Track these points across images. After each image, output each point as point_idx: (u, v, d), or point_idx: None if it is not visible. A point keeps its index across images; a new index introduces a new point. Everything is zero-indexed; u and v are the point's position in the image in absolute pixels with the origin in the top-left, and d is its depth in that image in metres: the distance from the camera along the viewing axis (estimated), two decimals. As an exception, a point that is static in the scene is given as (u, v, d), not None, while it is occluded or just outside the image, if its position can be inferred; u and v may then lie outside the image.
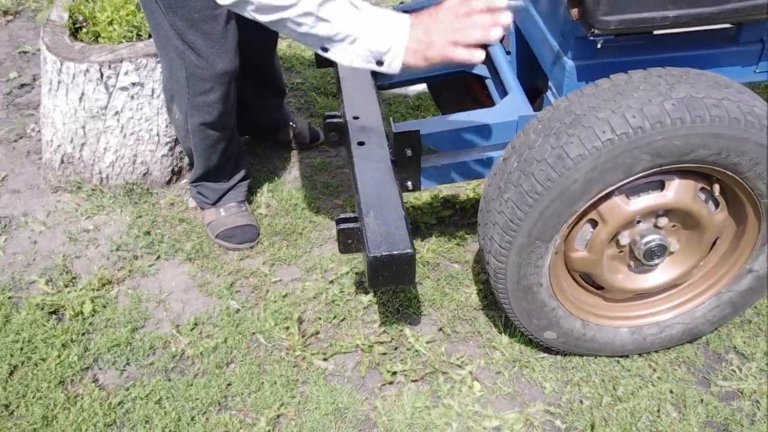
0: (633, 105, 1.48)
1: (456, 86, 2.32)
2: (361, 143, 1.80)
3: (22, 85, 2.89)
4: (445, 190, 2.35)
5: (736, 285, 1.78)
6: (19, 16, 3.38)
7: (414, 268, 1.56)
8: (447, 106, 2.40)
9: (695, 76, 1.54)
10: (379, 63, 1.40)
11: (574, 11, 1.56)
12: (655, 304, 1.83)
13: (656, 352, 1.87)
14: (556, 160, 1.50)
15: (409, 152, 1.74)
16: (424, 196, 2.32)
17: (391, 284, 1.59)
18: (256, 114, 2.40)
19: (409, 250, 1.53)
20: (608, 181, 1.52)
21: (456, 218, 2.27)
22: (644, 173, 1.53)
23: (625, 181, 1.53)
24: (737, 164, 1.53)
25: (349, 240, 1.64)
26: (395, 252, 1.53)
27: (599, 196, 1.55)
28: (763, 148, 1.50)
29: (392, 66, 1.40)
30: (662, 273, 1.76)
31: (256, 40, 2.07)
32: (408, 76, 2.19)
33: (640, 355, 1.87)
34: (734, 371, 1.84)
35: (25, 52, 3.12)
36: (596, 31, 1.55)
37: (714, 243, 1.77)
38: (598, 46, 1.62)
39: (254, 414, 1.74)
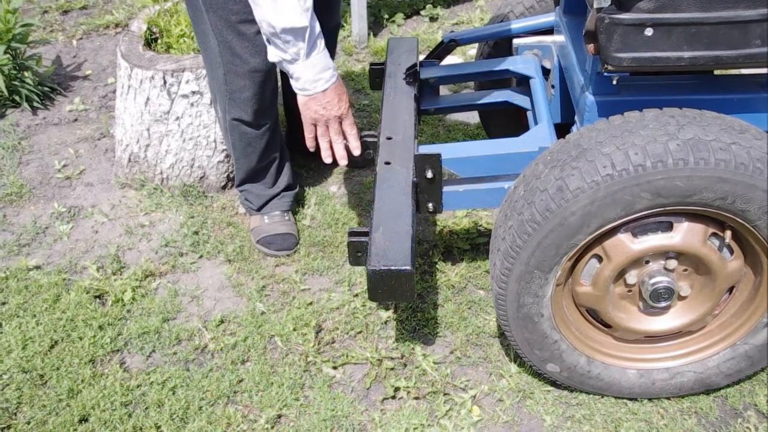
0: (638, 142, 1.48)
1: (504, 115, 2.36)
2: (387, 163, 1.87)
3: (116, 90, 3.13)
4: (485, 217, 2.37)
5: (752, 338, 1.72)
6: (127, 29, 3.65)
7: (412, 285, 1.60)
8: (495, 134, 2.43)
9: (709, 119, 1.52)
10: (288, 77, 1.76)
11: (590, 46, 1.58)
12: (667, 349, 1.79)
13: (667, 399, 1.83)
14: (556, 192, 1.51)
15: (429, 174, 1.79)
16: (463, 221, 2.36)
17: (390, 299, 1.64)
18: (302, 130, 2.50)
19: (407, 267, 1.58)
20: (607, 217, 1.52)
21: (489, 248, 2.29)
22: (649, 212, 1.53)
23: (626, 219, 1.53)
24: (746, 211, 1.50)
25: (359, 252, 1.71)
26: (393, 267, 1.59)
27: (600, 231, 1.55)
28: (773, 196, 1.47)
29: (298, 87, 1.76)
30: (674, 317, 1.73)
31: None
32: (454, 104, 2.26)
33: (650, 400, 1.83)
34: (749, 429, 1.77)
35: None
36: (610, 68, 1.56)
37: (731, 292, 1.72)
38: (614, 82, 1.63)
39: (257, 411, 1.82)
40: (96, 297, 2.14)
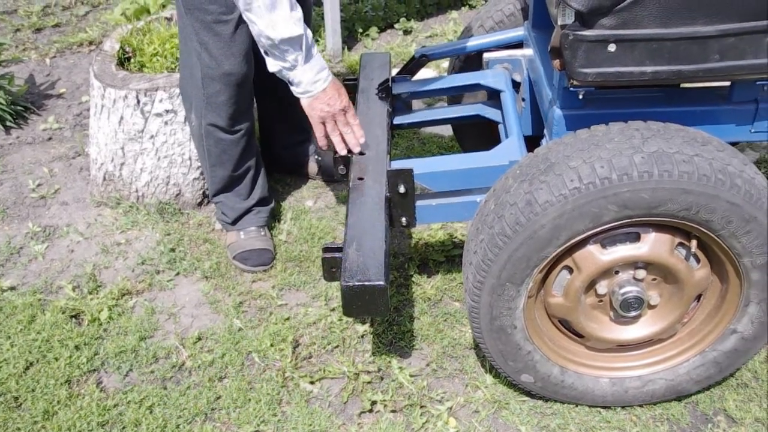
0: (603, 156, 1.51)
1: (477, 128, 2.39)
2: (360, 178, 1.89)
3: (91, 108, 3.13)
4: (460, 229, 2.40)
5: (720, 345, 1.75)
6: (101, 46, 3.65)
7: (386, 300, 1.62)
8: (469, 147, 2.46)
9: (673, 131, 1.56)
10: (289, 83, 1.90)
11: (556, 62, 1.61)
12: (638, 357, 1.82)
13: (640, 406, 1.86)
14: (526, 206, 1.54)
15: (402, 189, 1.81)
16: (438, 234, 2.38)
17: (365, 314, 1.67)
18: (277, 147, 2.56)
19: (380, 282, 1.60)
20: (576, 229, 1.55)
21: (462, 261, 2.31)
22: (617, 224, 1.56)
23: (594, 230, 1.56)
24: (710, 221, 1.53)
25: (333, 268, 1.73)
26: (367, 283, 1.61)
27: (570, 243, 1.58)
28: (735, 206, 1.50)
29: (300, 92, 1.90)
30: (644, 326, 1.76)
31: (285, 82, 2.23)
32: (427, 118, 2.28)
33: (623, 407, 1.85)
34: (720, 434, 1.81)
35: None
36: (575, 83, 1.60)
37: (699, 300, 1.76)
38: (580, 96, 1.67)
39: (235, 428, 1.83)
40: (72, 317, 2.13)
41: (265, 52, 1.82)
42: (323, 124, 1.94)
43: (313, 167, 2.65)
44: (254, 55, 2.08)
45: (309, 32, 1.81)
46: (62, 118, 3.06)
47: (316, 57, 1.84)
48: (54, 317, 2.11)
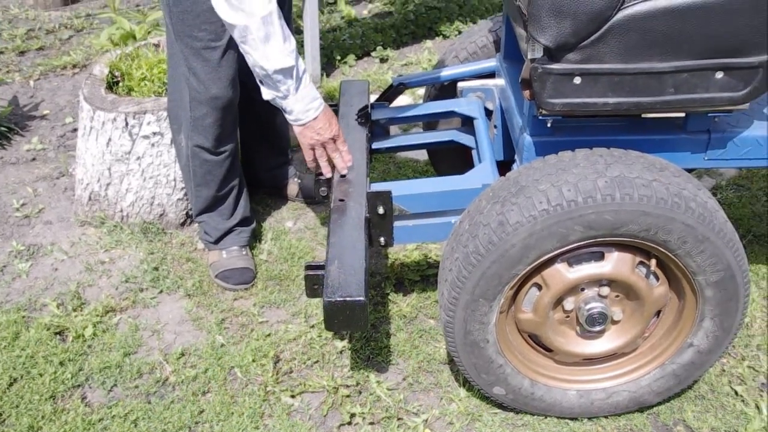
0: (570, 180, 1.63)
1: (451, 153, 2.50)
2: (341, 200, 1.99)
3: (74, 130, 3.20)
4: (434, 249, 2.50)
5: (678, 358, 1.86)
6: (84, 70, 3.73)
7: (366, 315, 1.71)
8: (443, 171, 2.57)
9: (634, 158, 1.68)
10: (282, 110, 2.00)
11: (526, 93, 1.73)
12: (603, 370, 1.92)
13: (605, 417, 1.96)
14: (498, 226, 1.65)
15: (381, 210, 1.91)
16: (413, 254, 2.48)
17: (346, 328, 1.76)
18: (258, 169, 2.65)
19: (361, 298, 1.69)
20: (545, 248, 1.66)
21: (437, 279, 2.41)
22: (582, 243, 1.67)
23: (562, 250, 1.67)
24: (667, 241, 1.65)
25: (315, 285, 1.81)
26: (348, 298, 1.70)
27: (539, 261, 1.69)
28: (689, 227, 1.62)
29: (292, 120, 2.00)
30: (608, 340, 1.87)
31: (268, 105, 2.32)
32: (404, 143, 2.39)
33: (589, 419, 1.95)
34: (679, 443, 1.92)
35: (82, 101, 3.44)
36: (544, 112, 1.71)
37: (659, 315, 1.87)
38: (548, 124, 1.78)
39: (219, 439, 1.91)
40: (56, 333, 2.19)
41: (260, 81, 1.91)
42: (312, 149, 2.04)
43: (292, 189, 2.74)
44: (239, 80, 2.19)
45: (301, 63, 1.90)
46: (46, 139, 3.13)
47: (308, 87, 1.94)
48: (38, 334, 2.17)
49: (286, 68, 1.85)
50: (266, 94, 1.93)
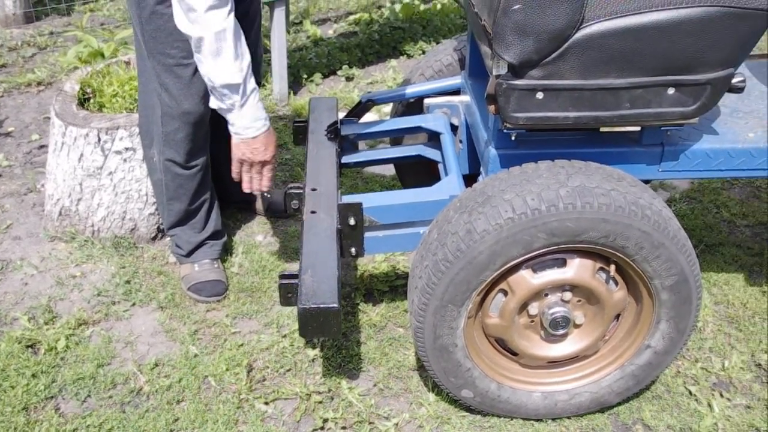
0: (534, 189, 1.71)
1: (418, 167, 2.58)
2: (313, 212, 2.05)
3: (41, 147, 3.21)
4: (402, 261, 2.58)
5: (637, 359, 1.96)
6: (49, 87, 3.74)
7: (339, 321, 1.77)
8: (409, 184, 2.65)
9: (593, 169, 1.78)
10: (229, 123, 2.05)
11: (491, 107, 1.81)
12: (567, 372, 2.01)
13: (568, 418, 2.04)
14: (466, 234, 1.73)
15: (352, 222, 1.98)
16: (382, 266, 2.55)
17: (319, 335, 1.80)
18: (228, 184, 2.67)
19: (334, 305, 1.75)
20: (510, 255, 1.74)
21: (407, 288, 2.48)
22: (546, 250, 1.76)
23: (526, 256, 1.75)
24: (625, 247, 1.75)
25: (289, 294, 1.87)
26: (322, 305, 1.75)
27: (505, 268, 1.77)
28: (646, 234, 1.72)
29: (232, 131, 2.06)
30: (571, 343, 1.96)
31: None
32: (372, 158, 2.47)
33: (553, 420, 2.03)
34: (639, 442, 2.01)
35: (48, 118, 3.44)
36: (508, 125, 1.80)
37: (618, 319, 1.97)
38: (513, 138, 1.87)
39: (195, 446, 1.94)
40: (28, 347, 2.20)
41: (210, 90, 1.99)
42: (241, 163, 2.11)
43: (261, 204, 2.80)
44: None
45: (251, 83, 1.97)
46: (12, 156, 3.14)
47: (254, 107, 2.01)
48: (10, 347, 2.18)
49: (232, 84, 1.92)
50: (212, 103, 2.01)
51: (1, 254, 2.59)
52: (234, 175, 2.15)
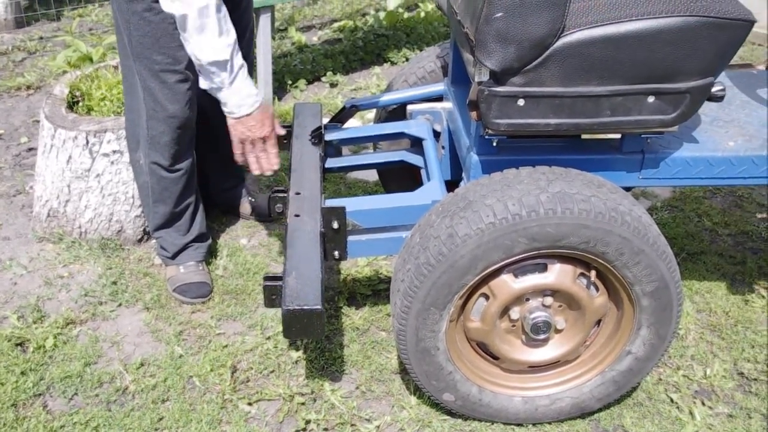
0: (514, 195, 1.74)
1: (400, 172, 2.61)
2: (297, 215, 2.07)
3: (30, 149, 3.23)
4: (385, 266, 2.60)
5: (618, 365, 1.98)
6: (39, 91, 3.76)
7: (322, 323, 1.79)
8: (392, 189, 2.68)
9: (573, 176, 1.80)
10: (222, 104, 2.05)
11: (473, 114, 1.84)
12: (548, 377, 2.03)
13: (549, 423, 2.06)
14: (447, 238, 1.75)
15: (335, 225, 2.00)
16: (365, 270, 2.57)
17: (303, 336, 1.82)
18: (213, 189, 2.75)
19: (318, 307, 1.77)
20: (491, 259, 1.76)
21: (390, 291, 2.50)
22: (527, 255, 1.78)
23: (507, 261, 1.78)
24: (605, 253, 1.77)
25: (273, 296, 1.89)
26: (306, 307, 1.77)
27: (486, 272, 1.79)
28: (626, 240, 1.74)
29: (226, 112, 2.06)
30: (552, 348, 1.98)
31: (225, 128, 2.40)
32: (356, 163, 2.49)
33: (534, 424, 2.05)
34: (618, 447, 2.03)
35: (37, 121, 3.47)
36: (490, 132, 1.83)
37: (599, 324, 1.99)
38: (494, 144, 1.90)
39: (178, 446, 1.96)
40: (17, 345, 2.22)
41: (198, 70, 2.00)
42: (242, 144, 2.12)
43: (245, 208, 2.82)
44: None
45: (238, 59, 1.97)
46: (1, 159, 3.16)
47: (244, 83, 2.01)
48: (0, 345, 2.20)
49: (219, 61, 1.92)
50: (202, 83, 2.01)
51: (-10, 254, 2.61)
52: (238, 158, 2.15)
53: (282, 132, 2.27)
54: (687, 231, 2.86)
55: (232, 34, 1.94)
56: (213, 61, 1.92)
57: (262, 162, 2.16)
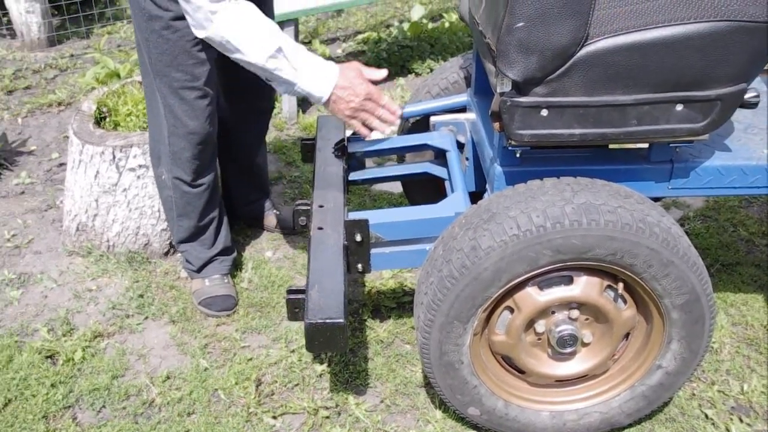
0: (539, 207, 1.71)
1: (425, 184, 2.59)
2: (320, 228, 2.06)
3: (61, 164, 3.28)
4: (410, 278, 2.58)
5: (648, 379, 1.93)
6: (69, 107, 3.81)
7: (345, 336, 1.78)
8: (417, 201, 2.66)
9: (600, 186, 1.77)
10: (306, 98, 1.98)
11: (496, 125, 1.82)
12: (575, 392, 1.99)
13: (577, 438, 2.02)
14: (471, 251, 1.73)
15: (358, 238, 1.99)
16: (390, 282, 2.56)
17: (326, 349, 1.82)
18: (237, 203, 2.75)
19: (340, 320, 1.76)
20: (515, 272, 1.73)
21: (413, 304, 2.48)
22: (552, 267, 1.75)
23: (532, 273, 1.75)
24: (633, 265, 1.73)
25: (296, 309, 1.88)
26: (328, 320, 1.76)
27: (510, 284, 1.76)
28: (654, 251, 1.70)
29: (316, 101, 1.99)
30: (579, 362, 1.94)
31: (248, 142, 2.42)
32: (379, 175, 2.47)
33: (561, 439, 2.02)
34: (649, 464, 1.98)
35: (68, 137, 3.51)
36: (513, 143, 1.81)
37: (628, 338, 1.95)
38: (518, 155, 1.87)
39: (202, 460, 1.96)
40: (47, 357, 2.25)
41: (267, 80, 1.97)
42: (353, 118, 2.00)
43: (270, 221, 2.82)
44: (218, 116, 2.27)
45: (288, 42, 1.90)
46: (34, 174, 3.20)
47: (308, 59, 1.92)
48: (30, 357, 2.23)
49: (271, 54, 1.87)
50: (279, 89, 1.97)
51: (23, 268, 2.64)
52: (363, 133, 2.05)
53: (381, 75, 2.09)
54: (721, 241, 2.80)
55: (270, 24, 1.90)
56: (269, 56, 1.87)
57: (386, 117, 2.03)
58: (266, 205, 2.81)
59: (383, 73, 2.05)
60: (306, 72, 1.92)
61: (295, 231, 2.79)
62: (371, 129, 2.08)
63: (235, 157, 2.57)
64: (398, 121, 2.01)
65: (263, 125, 2.67)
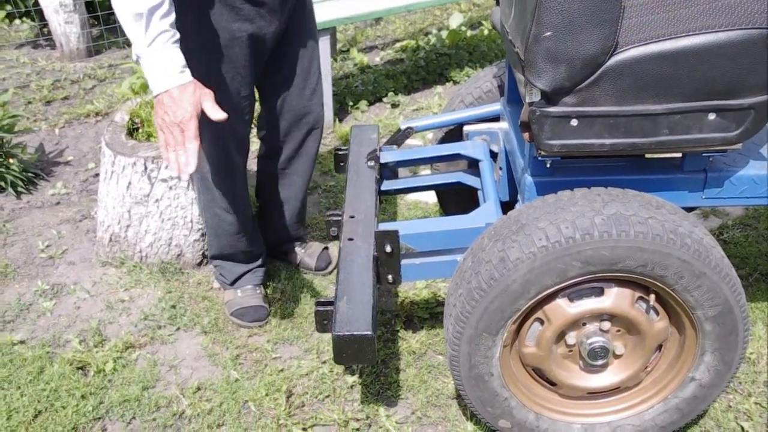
0: (568, 218, 1.69)
1: (458, 194, 2.58)
2: (350, 239, 2.06)
3: (96, 175, 3.32)
4: (443, 288, 2.56)
5: (681, 392, 1.90)
6: (106, 117, 3.87)
7: (374, 349, 1.77)
8: (451, 211, 2.65)
9: (630, 197, 1.74)
10: None
11: (526, 135, 1.80)
12: (607, 404, 1.96)
13: (610, 451, 1.99)
14: (499, 262, 1.71)
15: (388, 249, 1.98)
16: (423, 292, 2.55)
17: (354, 361, 1.81)
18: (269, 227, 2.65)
19: (368, 332, 1.75)
20: (544, 284, 1.71)
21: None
22: (581, 279, 1.73)
23: (561, 285, 1.73)
24: (664, 276, 1.70)
25: (324, 320, 1.88)
26: (356, 333, 1.76)
27: (539, 296, 1.74)
28: (686, 263, 1.67)
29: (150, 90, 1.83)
30: (611, 374, 1.91)
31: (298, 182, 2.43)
32: (412, 185, 2.47)
33: (594, 452, 1.99)
34: (685, 478, 1.94)
35: (104, 147, 3.57)
36: (543, 153, 1.79)
37: (661, 350, 1.92)
38: (548, 165, 1.86)
39: (232, 471, 1.96)
40: (79, 368, 2.27)
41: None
42: (161, 130, 1.78)
43: (294, 257, 2.72)
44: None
45: (160, 23, 1.69)
46: (69, 184, 3.25)
47: (165, 52, 1.71)
48: (62, 368, 2.25)
49: (135, 13, 1.66)
50: (133, 54, 1.76)
51: (57, 278, 2.68)
52: (161, 146, 1.79)
53: (219, 117, 1.79)
54: (760, 250, 2.74)
55: None
56: (129, 13, 1.65)
57: (180, 158, 1.76)
58: (291, 246, 2.71)
59: (221, 116, 1.80)
60: (155, 57, 1.71)
61: (315, 272, 2.70)
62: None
63: (270, 184, 2.54)
64: (183, 175, 1.77)
65: (312, 142, 2.53)
